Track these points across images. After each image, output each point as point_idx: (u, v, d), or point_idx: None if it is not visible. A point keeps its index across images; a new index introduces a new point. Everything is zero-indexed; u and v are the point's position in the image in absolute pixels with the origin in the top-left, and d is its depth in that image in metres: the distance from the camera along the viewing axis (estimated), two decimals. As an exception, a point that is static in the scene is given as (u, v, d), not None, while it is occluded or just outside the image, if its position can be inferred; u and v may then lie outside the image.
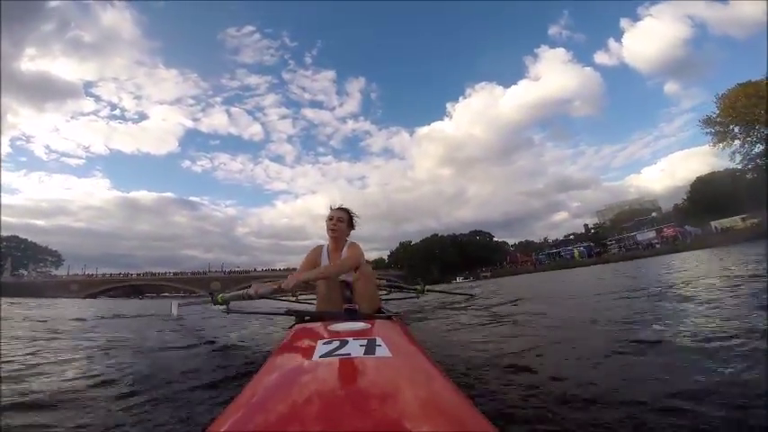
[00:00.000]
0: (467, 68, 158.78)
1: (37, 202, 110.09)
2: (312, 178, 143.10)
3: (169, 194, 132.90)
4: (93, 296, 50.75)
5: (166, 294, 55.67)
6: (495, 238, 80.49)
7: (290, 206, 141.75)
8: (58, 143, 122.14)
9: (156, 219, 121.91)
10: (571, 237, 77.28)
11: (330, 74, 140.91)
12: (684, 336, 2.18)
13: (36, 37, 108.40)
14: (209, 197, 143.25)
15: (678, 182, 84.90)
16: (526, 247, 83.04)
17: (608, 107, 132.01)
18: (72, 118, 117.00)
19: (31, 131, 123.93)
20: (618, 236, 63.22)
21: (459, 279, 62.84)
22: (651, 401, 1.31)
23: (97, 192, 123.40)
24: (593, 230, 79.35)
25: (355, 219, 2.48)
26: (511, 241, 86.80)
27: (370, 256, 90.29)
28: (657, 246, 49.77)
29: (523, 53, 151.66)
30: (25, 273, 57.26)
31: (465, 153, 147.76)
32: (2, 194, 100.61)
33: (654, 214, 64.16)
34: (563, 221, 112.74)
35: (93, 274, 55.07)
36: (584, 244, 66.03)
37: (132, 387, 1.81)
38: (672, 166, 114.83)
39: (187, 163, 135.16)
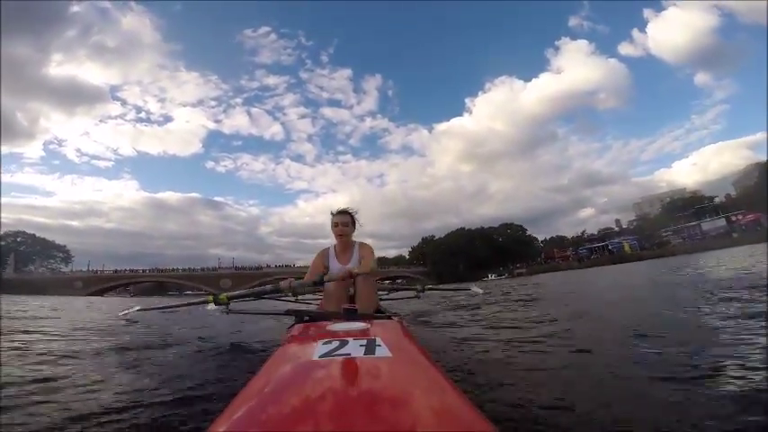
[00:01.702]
0: (484, 63, 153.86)
1: (70, 203, 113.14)
2: (332, 177, 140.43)
3: (194, 195, 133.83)
4: (99, 293, 47.56)
5: (189, 292, 53.32)
6: (528, 232, 73.30)
7: (312, 205, 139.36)
8: (88, 146, 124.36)
9: (182, 218, 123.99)
10: (616, 229, 70.34)
11: (347, 72, 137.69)
12: None
13: (61, 43, 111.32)
14: (232, 197, 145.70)
15: (711, 176, 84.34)
16: (558, 242, 76.32)
17: (635, 99, 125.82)
18: (101, 121, 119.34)
19: (62, 135, 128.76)
20: (674, 226, 55.85)
21: (491, 276, 56.80)
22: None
23: (126, 193, 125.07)
24: (635, 222, 72.28)
25: (356, 217, 2.51)
26: (538, 237, 79.97)
27: (390, 253, 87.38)
28: (734, 235, 42.31)
29: (543, 46, 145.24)
30: (32, 269, 54.80)
31: (486, 148, 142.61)
32: (38, 197, 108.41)
33: (717, 200, 56.26)
34: (589, 218, 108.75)
35: (98, 271, 51.90)
36: (632, 237, 59.06)
37: (130, 387, 1.79)
38: (704, 159, 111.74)
39: (211, 164, 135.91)
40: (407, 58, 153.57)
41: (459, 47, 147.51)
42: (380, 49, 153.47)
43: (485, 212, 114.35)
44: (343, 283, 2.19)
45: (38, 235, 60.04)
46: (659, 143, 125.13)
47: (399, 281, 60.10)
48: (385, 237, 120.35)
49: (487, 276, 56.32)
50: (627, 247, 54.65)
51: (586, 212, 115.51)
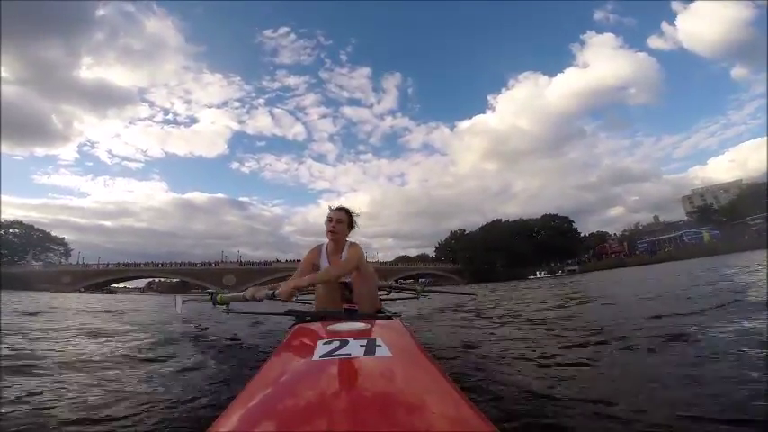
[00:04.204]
0: (507, 58, 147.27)
1: (103, 204, 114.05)
2: (353, 176, 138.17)
3: (220, 195, 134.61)
4: (90, 290, 41.94)
5: (210, 290, 47.56)
6: (574, 225, 64.03)
7: (333, 205, 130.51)
8: (119, 148, 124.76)
9: (209, 218, 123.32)
10: (691, 218, 60.77)
11: (365, 71, 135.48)
12: None
13: (90, 46, 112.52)
14: (257, 197, 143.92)
15: (751, 173, 74.92)
16: (600, 238, 67.22)
17: (667, 94, 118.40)
18: (130, 123, 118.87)
19: (95, 137, 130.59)
20: (761, 214, 46.25)
21: (540, 273, 48.33)
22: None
23: (156, 194, 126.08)
24: (695, 214, 62.70)
25: (355, 218, 2.38)
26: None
27: (411, 252, 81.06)
28: None
29: (568, 40, 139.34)
30: (25, 262, 50.00)
31: (510, 146, 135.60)
32: (73, 198, 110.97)
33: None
34: (619, 217, 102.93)
35: (89, 265, 46.51)
36: (708, 226, 49.90)
37: (129, 387, 1.76)
38: (742, 155, 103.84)
39: (236, 164, 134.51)
40: (427, 56, 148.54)
41: (479, 43, 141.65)
42: (399, 47, 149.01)
43: (510, 211, 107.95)
44: (334, 284, 2.16)
45: (70, 237, 57.02)
46: (693, 139, 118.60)
47: (422, 280, 52.65)
48: (406, 236, 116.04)
49: (535, 274, 47.95)
50: (707, 238, 45.44)
51: (616, 211, 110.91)
